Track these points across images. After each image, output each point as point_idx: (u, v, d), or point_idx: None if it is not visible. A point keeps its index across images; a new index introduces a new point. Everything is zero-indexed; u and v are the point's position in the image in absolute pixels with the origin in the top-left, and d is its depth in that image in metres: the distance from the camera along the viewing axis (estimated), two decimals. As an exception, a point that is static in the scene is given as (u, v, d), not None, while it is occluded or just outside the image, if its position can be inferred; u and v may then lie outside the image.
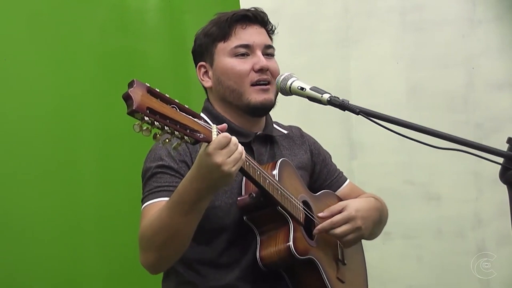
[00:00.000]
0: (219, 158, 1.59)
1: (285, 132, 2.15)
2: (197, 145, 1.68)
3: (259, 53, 1.99)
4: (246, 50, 1.99)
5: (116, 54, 2.98)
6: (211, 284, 1.91)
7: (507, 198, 1.55)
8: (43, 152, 2.70)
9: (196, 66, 2.07)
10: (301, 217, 1.92)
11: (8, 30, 2.65)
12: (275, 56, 2.06)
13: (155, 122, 1.47)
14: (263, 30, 2.05)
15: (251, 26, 2.01)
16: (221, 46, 2.00)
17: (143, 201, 1.87)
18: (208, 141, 1.59)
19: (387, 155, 3.48)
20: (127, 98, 1.45)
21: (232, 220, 1.90)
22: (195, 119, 1.58)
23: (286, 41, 3.40)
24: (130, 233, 2.34)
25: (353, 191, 2.23)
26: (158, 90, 1.51)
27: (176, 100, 1.55)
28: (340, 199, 2.15)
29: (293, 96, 1.87)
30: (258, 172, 1.76)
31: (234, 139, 1.63)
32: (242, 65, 1.97)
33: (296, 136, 2.18)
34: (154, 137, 1.49)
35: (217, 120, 1.96)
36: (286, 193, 1.87)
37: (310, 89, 1.81)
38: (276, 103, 2.03)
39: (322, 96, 1.78)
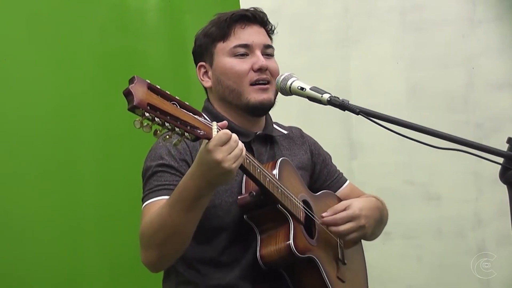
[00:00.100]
0: (219, 154, 1.59)
1: (285, 132, 2.15)
2: (197, 144, 1.68)
3: (258, 52, 1.99)
4: (245, 50, 1.99)
5: (116, 54, 2.98)
6: (212, 283, 1.91)
7: (507, 198, 1.55)
8: (43, 152, 2.69)
9: (196, 66, 2.07)
10: (301, 216, 1.92)
11: (8, 30, 2.65)
12: (275, 56, 2.06)
13: (155, 118, 1.47)
14: (262, 30, 2.05)
15: (250, 26, 2.02)
16: (220, 46, 2.00)
17: (143, 200, 1.87)
18: (209, 138, 1.59)
19: (387, 155, 3.48)
20: (127, 94, 1.44)
21: (232, 219, 1.90)
22: (196, 116, 1.58)
23: (286, 41, 3.40)
24: (130, 233, 2.34)
25: (353, 192, 2.23)
26: (158, 87, 1.51)
27: (176, 97, 1.55)
28: (340, 200, 2.15)
29: (293, 96, 1.87)
30: (258, 170, 1.76)
31: (234, 136, 1.63)
32: (241, 64, 1.98)
33: (296, 136, 2.19)
34: (155, 133, 1.49)
35: (217, 119, 1.93)
36: (286, 192, 1.87)
37: (310, 89, 1.81)
38: (276, 103, 2.03)
39: (322, 96, 1.78)
